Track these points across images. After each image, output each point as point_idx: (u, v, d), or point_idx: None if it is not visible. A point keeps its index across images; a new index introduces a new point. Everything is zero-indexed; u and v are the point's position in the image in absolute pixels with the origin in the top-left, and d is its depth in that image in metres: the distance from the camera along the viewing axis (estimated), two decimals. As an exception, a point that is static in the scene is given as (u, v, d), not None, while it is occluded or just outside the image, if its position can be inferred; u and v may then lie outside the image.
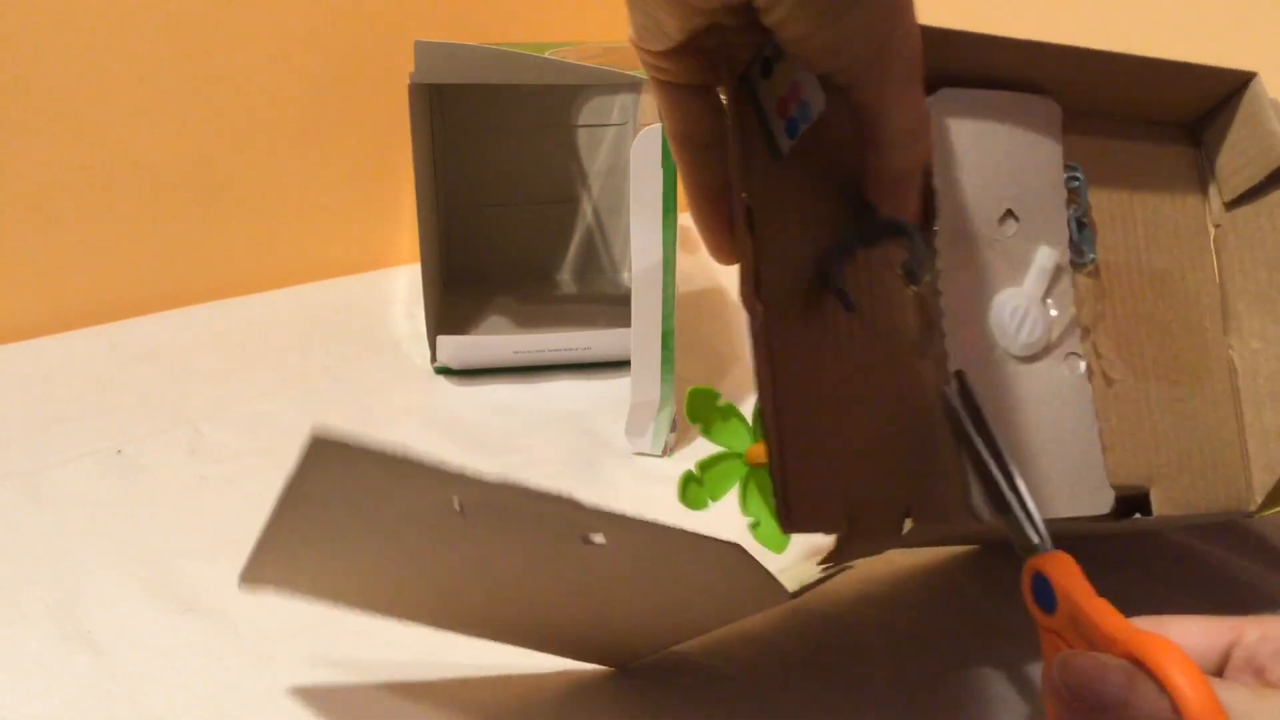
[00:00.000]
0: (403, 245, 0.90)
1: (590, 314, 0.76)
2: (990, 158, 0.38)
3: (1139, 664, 0.25)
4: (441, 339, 0.67)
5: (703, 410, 0.40)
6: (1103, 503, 0.38)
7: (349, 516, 0.29)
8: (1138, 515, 0.40)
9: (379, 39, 0.86)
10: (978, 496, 0.35)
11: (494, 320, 0.75)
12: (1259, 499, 0.41)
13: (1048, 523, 0.31)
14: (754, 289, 0.33)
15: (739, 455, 0.40)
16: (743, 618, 0.40)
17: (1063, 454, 0.38)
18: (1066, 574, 0.29)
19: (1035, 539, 0.31)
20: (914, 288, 0.37)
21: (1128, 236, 0.41)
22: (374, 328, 0.77)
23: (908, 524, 0.35)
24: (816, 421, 0.34)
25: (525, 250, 0.85)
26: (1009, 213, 0.38)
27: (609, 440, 0.61)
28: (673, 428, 0.60)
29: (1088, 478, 0.38)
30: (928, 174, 0.35)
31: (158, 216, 0.79)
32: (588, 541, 0.29)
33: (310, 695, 0.39)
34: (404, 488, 0.27)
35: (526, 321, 0.75)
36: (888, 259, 0.36)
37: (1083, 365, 0.39)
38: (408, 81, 0.65)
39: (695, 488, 0.40)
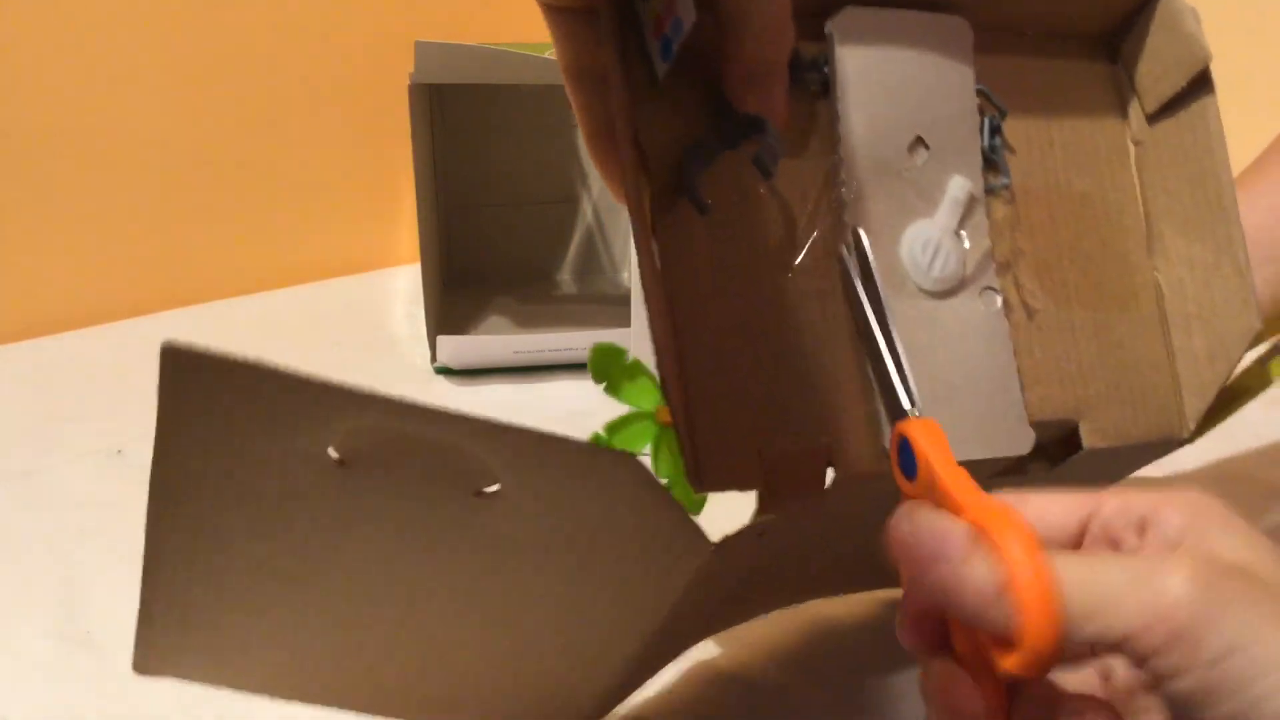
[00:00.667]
0: (403, 245, 0.91)
1: (590, 314, 0.76)
2: (898, 82, 0.36)
3: (982, 533, 0.25)
4: (441, 339, 0.67)
5: (608, 368, 0.38)
6: (1022, 442, 0.36)
7: (224, 504, 0.26)
8: (1072, 459, 0.38)
9: (379, 39, 0.86)
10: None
11: (494, 320, 0.75)
12: (1192, 425, 0.40)
13: (971, 465, 0.29)
14: (648, 228, 0.31)
15: (649, 415, 0.38)
16: (675, 605, 0.33)
17: (979, 393, 0.36)
18: (930, 440, 0.28)
19: (906, 403, 0.31)
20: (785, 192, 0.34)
21: (1045, 159, 0.39)
22: (374, 328, 0.77)
23: (830, 476, 0.33)
24: (721, 369, 0.32)
25: (525, 250, 0.85)
26: (919, 140, 0.36)
27: (609, 440, 0.61)
28: (672, 428, 0.60)
29: (1006, 417, 0.36)
30: (792, 69, 0.33)
31: (158, 217, 0.79)
32: (481, 495, 0.27)
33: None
34: (272, 422, 0.25)
35: (526, 321, 0.75)
36: (793, 186, 0.34)
37: (999, 300, 0.37)
38: (408, 81, 0.65)
39: None
